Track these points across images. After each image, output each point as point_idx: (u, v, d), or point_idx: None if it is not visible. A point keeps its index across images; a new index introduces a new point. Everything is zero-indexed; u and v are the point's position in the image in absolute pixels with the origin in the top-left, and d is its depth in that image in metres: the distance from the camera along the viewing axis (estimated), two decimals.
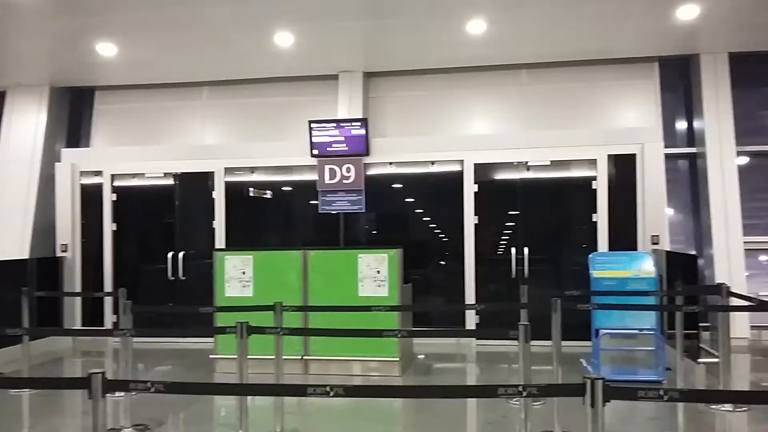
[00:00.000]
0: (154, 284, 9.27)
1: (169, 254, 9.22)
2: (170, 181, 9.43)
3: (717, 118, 8.76)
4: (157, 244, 9.38)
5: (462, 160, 8.80)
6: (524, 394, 2.62)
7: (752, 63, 8.88)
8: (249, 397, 4.52)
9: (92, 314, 9.36)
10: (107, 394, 3.10)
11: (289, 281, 7.04)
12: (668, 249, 8.26)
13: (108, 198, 9.44)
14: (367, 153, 8.93)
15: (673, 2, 7.37)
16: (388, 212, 9.20)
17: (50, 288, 8.88)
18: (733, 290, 5.80)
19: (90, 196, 9.48)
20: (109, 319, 9.26)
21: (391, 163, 9.06)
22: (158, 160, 9.49)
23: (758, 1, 7.27)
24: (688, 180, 9.22)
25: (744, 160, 8.89)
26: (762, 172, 8.96)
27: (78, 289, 9.35)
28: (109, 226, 9.41)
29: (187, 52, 8.79)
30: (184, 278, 9.18)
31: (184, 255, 9.20)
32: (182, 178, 9.42)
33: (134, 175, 9.50)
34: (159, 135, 10.09)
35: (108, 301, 9.24)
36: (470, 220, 8.70)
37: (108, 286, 9.24)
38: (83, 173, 9.52)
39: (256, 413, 5.04)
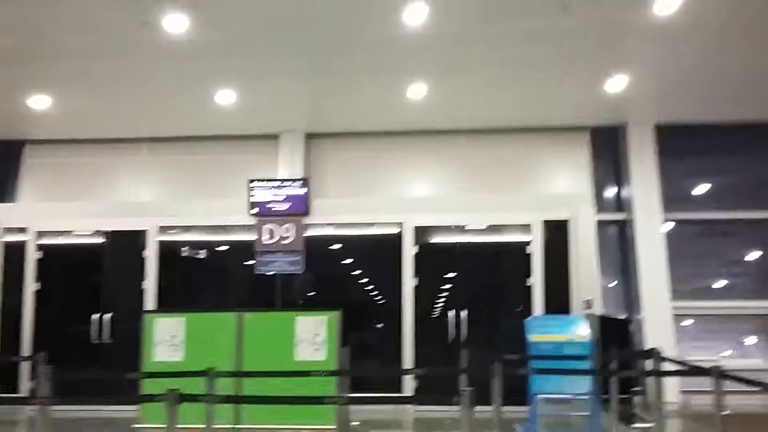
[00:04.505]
0: (76, 347, 8.76)
1: (94, 316, 8.80)
2: (99, 240, 9.08)
3: (644, 186, 9.15)
4: (82, 305, 8.91)
5: (401, 222, 8.84)
6: None
7: (677, 134, 9.36)
8: None
9: (7, 380, 8.73)
10: None
11: (222, 345, 6.79)
12: (601, 313, 8.43)
13: (32, 256, 8.97)
14: (307, 213, 8.86)
15: (604, 74, 7.76)
16: (327, 273, 9.09)
17: None
18: (664, 355, 5.91)
19: (13, 254, 8.99)
20: (25, 386, 8.66)
21: (330, 224, 9.01)
22: (88, 217, 9.14)
23: (681, 75, 7.74)
24: (618, 245, 9.51)
25: (670, 226, 9.25)
26: (687, 239, 9.33)
27: None
28: (31, 286, 8.92)
29: (126, 106, 8.60)
30: (110, 341, 8.74)
31: (111, 317, 8.79)
32: (113, 236, 9.07)
33: (61, 233, 9.10)
34: (92, 192, 9.74)
35: (25, 367, 8.65)
36: (409, 281, 8.68)
37: (26, 349, 8.66)
38: (7, 230, 9.04)
39: None
